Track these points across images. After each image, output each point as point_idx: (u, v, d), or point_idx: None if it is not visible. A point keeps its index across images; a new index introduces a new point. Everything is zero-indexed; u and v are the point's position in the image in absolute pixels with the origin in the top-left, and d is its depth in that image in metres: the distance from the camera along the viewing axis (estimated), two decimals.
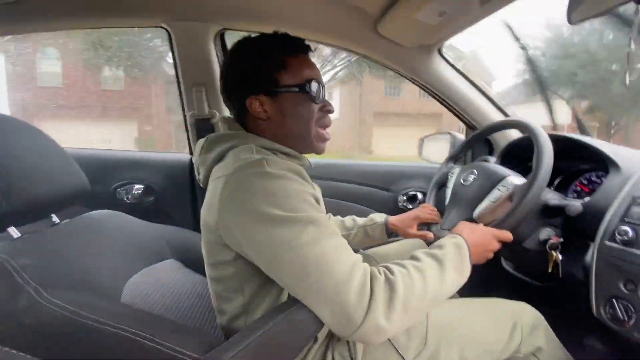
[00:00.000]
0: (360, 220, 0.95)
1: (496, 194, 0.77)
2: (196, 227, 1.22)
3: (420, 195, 1.31)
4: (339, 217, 0.99)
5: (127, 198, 1.22)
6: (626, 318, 0.63)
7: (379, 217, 0.94)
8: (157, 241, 0.86)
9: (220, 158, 0.63)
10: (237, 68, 0.65)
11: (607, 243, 0.67)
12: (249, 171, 0.54)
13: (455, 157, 1.00)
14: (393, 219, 0.92)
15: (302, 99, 0.65)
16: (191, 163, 1.23)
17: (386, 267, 0.53)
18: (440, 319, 0.68)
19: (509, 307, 0.74)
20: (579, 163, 0.95)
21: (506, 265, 1.06)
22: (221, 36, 1.14)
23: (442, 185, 0.96)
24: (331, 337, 0.65)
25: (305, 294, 0.50)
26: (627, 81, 0.60)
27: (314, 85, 0.65)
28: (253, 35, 0.67)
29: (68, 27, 1.08)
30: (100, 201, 1.18)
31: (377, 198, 1.35)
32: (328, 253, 0.49)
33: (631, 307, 0.62)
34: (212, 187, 0.60)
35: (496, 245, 0.68)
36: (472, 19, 0.88)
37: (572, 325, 0.84)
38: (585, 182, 0.93)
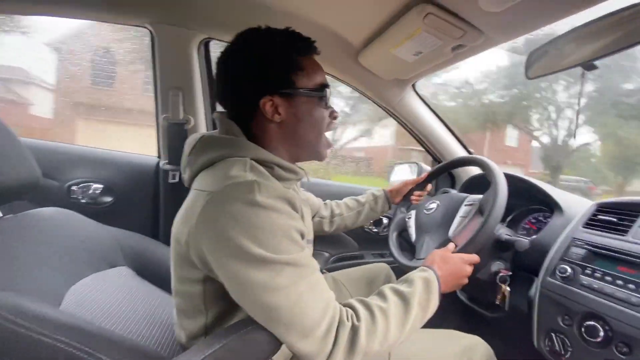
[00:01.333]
0: (362, 199, 1.04)
1: (465, 209, 0.82)
2: (155, 235, 1.18)
3: (385, 220, 1.35)
4: (343, 200, 1.05)
5: (82, 197, 1.14)
6: (563, 351, 0.67)
7: (377, 192, 1.04)
8: (109, 245, 0.80)
9: (210, 163, 0.58)
10: (250, 64, 0.58)
11: (549, 279, 0.73)
12: (237, 195, 0.49)
13: (408, 204, 1.05)
14: (389, 190, 1.05)
15: (316, 103, 0.62)
16: (157, 167, 1.18)
17: (353, 310, 0.53)
18: (402, 353, 0.68)
19: (464, 341, 0.75)
20: (529, 203, 1.04)
21: (461, 295, 1.10)
22: (205, 45, 1.14)
23: (401, 229, 1.00)
24: None
25: (273, 329, 0.49)
26: (574, 136, 0.68)
27: (327, 90, 0.63)
28: (262, 27, 0.61)
29: (53, 14, 1.01)
30: (51, 198, 1.10)
31: None
32: (302, 296, 0.48)
33: (567, 341, 0.67)
34: (193, 197, 0.55)
35: (469, 271, 0.69)
36: (444, 62, 0.96)
37: (518, 356, 0.88)
38: (534, 220, 1.01)
